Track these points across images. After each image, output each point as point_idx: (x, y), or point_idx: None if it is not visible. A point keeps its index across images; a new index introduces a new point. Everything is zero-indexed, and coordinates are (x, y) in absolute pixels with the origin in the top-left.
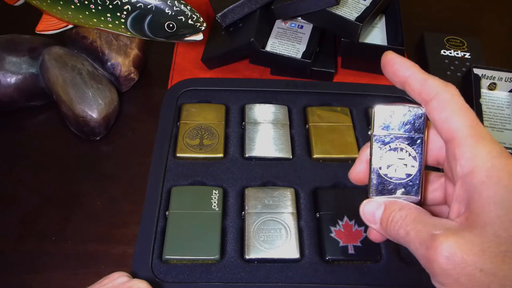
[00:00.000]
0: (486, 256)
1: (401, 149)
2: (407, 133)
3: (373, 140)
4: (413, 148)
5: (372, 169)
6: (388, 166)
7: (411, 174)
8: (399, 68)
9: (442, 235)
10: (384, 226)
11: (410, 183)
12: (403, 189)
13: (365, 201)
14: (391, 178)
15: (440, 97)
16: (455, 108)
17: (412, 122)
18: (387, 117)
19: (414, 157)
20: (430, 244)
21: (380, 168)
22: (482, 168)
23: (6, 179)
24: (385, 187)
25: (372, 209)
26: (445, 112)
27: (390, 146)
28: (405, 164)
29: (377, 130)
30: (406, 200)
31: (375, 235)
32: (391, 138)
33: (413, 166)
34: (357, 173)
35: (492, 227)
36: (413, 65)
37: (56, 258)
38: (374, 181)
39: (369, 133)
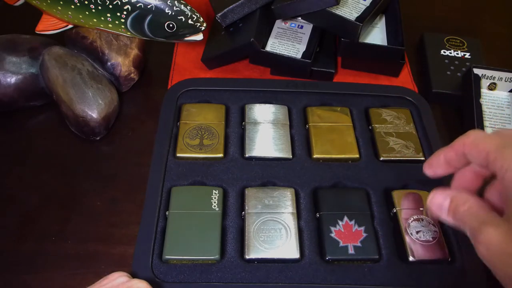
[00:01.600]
0: None
1: (422, 219)
2: (421, 208)
3: (401, 215)
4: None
5: (405, 234)
6: (417, 232)
7: (436, 237)
8: (437, 165)
9: (483, 229)
10: (452, 215)
11: (437, 243)
12: (432, 247)
13: (431, 194)
14: (421, 241)
15: (467, 143)
16: (479, 141)
17: (422, 200)
18: (407, 198)
19: (434, 224)
20: (475, 237)
21: (411, 234)
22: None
23: (6, 179)
24: (418, 248)
25: (439, 201)
26: (475, 148)
27: (413, 218)
28: (429, 230)
29: (399, 206)
30: (437, 256)
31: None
32: (414, 211)
33: (435, 231)
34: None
35: None
36: (441, 150)
37: (56, 258)
38: (410, 244)
39: (394, 210)
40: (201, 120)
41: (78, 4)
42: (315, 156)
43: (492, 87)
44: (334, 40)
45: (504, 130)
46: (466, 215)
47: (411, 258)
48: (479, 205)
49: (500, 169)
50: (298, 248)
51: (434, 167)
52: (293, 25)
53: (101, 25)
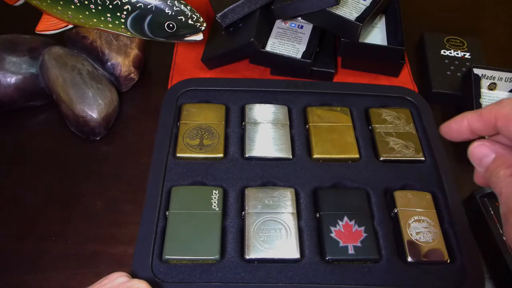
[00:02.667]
0: None
1: (423, 220)
2: (421, 209)
3: (400, 216)
4: (430, 217)
5: (405, 235)
6: (418, 233)
7: (436, 238)
8: (457, 131)
9: None
10: (488, 176)
11: (437, 244)
12: (432, 249)
13: (476, 143)
14: (421, 242)
15: (501, 116)
16: (505, 106)
17: (422, 201)
18: (405, 197)
19: (434, 225)
20: (506, 217)
21: (411, 234)
22: None
23: (6, 179)
24: (417, 249)
25: (481, 154)
26: (502, 119)
27: (414, 218)
28: (429, 231)
29: (400, 207)
30: (436, 258)
31: (479, 179)
32: (415, 212)
33: (436, 232)
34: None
35: None
36: (465, 115)
37: (56, 258)
38: (409, 245)
39: (395, 210)
40: (201, 120)
41: (78, 4)
42: (315, 156)
43: (492, 87)
44: (334, 40)
45: None
46: (506, 183)
47: (410, 259)
48: None
49: None
50: (298, 248)
51: (454, 132)
52: (293, 25)
53: (101, 25)
